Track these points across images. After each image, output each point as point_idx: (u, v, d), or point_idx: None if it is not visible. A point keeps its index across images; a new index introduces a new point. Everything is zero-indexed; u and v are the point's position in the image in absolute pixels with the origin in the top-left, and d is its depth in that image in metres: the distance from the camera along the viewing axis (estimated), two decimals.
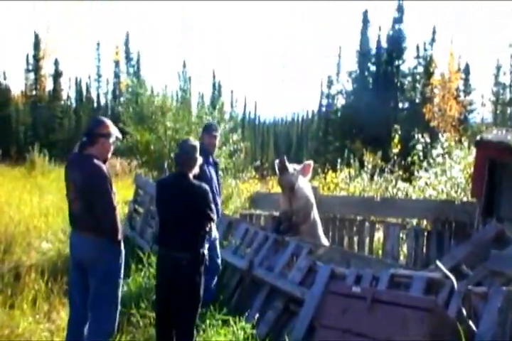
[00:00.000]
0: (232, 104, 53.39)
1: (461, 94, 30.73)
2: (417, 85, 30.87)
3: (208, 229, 3.55)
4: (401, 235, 6.73)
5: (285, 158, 5.17)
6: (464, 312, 3.27)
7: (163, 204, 3.58)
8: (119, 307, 3.33)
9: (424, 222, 7.47)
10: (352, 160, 11.48)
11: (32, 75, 40.47)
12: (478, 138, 5.49)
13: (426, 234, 6.44)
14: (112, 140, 3.45)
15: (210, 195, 3.52)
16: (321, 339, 3.21)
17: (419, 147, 8.01)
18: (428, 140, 8.46)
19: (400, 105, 31.80)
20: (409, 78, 32.16)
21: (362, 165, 11.62)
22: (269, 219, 6.90)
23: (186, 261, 3.31)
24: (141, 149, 8.02)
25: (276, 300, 4.39)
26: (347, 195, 8.88)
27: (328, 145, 32.40)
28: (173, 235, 3.41)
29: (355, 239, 6.97)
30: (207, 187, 3.54)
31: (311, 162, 5.24)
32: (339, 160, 10.92)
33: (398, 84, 31.30)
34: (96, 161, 3.29)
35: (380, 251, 7.44)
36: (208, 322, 3.79)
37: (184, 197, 3.45)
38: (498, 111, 30.80)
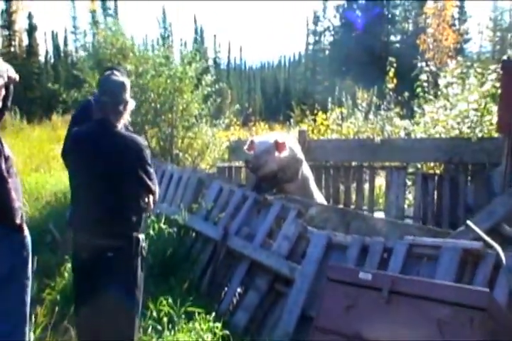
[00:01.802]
0: (215, 50, 51.03)
1: (456, 22, 28.84)
2: (409, 15, 28.93)
3: (145, 204, 2.48)
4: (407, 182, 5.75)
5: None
6: None
7: (79, 166, 2.46)
8: (28, 320, 2.32)
9: (430, 165, 6.46)
10: (344, 99, 10.34)
11: (6, 32, 37.98)
12: (505, 58, 4.33)
13: (436, 179, 5.45)
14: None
15: (149, 152, 2.43)
16: None
17: (424, 77, 6.81)
18: (433, 68, 7.25)
19: (392, 38, 29.97)
20: (400, 9, 30.14)
21: (355, 104, 10.52)
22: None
23: (115, 251, 2.28)
24: None
25: (258, 278, 3.43)
26: (340, 138, 7.80)
27: (316, 86, 30.86)
28: (94, 213, 2.33)
29: (353, 188, 5.98)
30: (143, 141, 2.45)
31: (284, 141, 4.05)
32: (329, 99, 9.75)
33: (389, 16, 29.34)
34: None
35: (382, 200, 6.52)
36: (165, 319, 2.82)
37: (110, 155, 2.36)
38: (496, 39, 29.04)
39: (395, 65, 10.13)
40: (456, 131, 5.99)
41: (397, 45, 29.17)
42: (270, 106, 54.90)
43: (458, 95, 6.22)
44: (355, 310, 2.19)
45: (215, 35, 52.58)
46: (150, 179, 2.38)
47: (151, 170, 2.42)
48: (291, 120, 13.32)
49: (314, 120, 9.85)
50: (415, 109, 8.56)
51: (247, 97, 56.18)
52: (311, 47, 38.09)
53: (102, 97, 2.49)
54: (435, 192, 5.42)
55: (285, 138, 4.25)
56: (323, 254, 3.11)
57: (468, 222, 2.90)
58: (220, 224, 3.84)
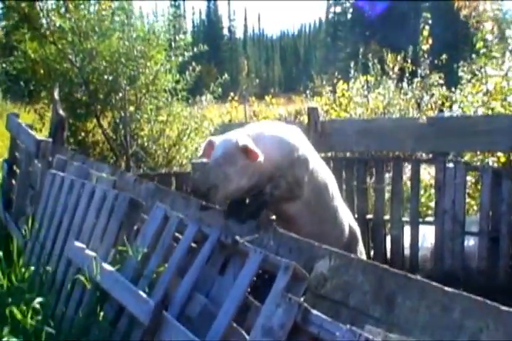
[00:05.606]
0: (229, 17, 48.51)
1: None
2: None
3: None
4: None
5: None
6: None
7: None
8: None
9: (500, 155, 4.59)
10: (370, 63, 8.41)
11: None
12: None
13: None
14: None
15: None
16: None
17: (488, 25, 4.82)
18: (499, 14, 5.24)
19: None
20: None
21: (383, 71, 8.61)
22: None
23: None
24: (38, 72, 5.02)
25: None
26: (368, 119, 5.92)
27: (338, 53, 28.40)
28: None
29: (387, 191, 4.20)
30: None
31: (250, 145, 2.26)
32: (351, 64, 7.90)
33: None
34: None
35: (426, 203, 4.77)
36: None
37: None
38: None
39: (430, 21, 8.33)
40: None
41: (427, 4, 26.41)
42: (290, 77, 52.50)
43: None
44: None
45: (229, 2, 49.95)
46: None
47: None
48: (308, 92, 11.42)
49: (333, 91, 8.05)
50: (460, 74, 6.65)
51: (265, 68, 53.79)
52: (332, 9, 35.38)
53: None
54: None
55: (275, 132, 2.52)
56: None
57: None
58: (155, 293, 2.13)
